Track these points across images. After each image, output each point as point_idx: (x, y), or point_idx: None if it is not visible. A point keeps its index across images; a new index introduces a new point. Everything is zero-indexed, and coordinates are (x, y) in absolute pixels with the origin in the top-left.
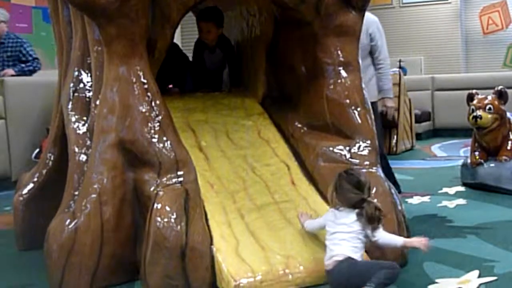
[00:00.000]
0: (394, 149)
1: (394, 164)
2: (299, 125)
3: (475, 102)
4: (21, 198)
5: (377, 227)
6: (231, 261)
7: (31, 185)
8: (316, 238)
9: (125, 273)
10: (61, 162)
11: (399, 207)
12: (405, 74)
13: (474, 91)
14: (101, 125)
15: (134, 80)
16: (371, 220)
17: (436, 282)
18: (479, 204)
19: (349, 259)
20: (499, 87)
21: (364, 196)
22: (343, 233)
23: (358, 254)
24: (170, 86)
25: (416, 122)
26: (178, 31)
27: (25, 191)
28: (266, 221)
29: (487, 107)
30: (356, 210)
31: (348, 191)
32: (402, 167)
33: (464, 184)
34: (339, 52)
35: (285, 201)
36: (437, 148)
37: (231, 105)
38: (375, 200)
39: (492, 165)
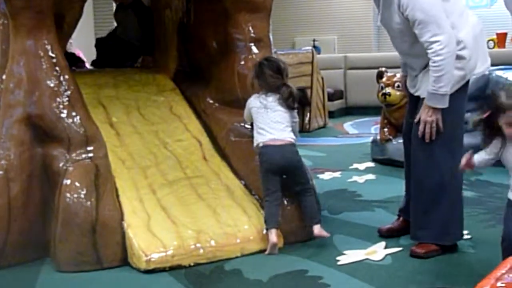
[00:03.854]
0: (307, 126)
1: (307, 141)
2: (211, 101)
3: (384, 79)
4: None
5: (293, 109)
6: (142, 236)
7: None
8: (227, 213)
9: (35, 250)
10: None
11: (310, 182)
12: (319, 53)
13: (383, 69)
14: (8, 100)
15: (41, 54)
16: (287, 101)
17: (344, 254)
18: (387, 179)
19: (292, 146)
20: None
21: (284, 81)
22: (278, 117)
23: (292, 135)
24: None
25: (329, 100)
26: (90, 5)
27: None
28: (177, 196)
29: (396, 85)
30: (278, 95)
31: (269, 76)
32: (314, 144)
33: (374, 160)
34: (250, 28)
35: (196, 176)
36: (349, 125)
37: (143, 81)
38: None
39: (400, 141)
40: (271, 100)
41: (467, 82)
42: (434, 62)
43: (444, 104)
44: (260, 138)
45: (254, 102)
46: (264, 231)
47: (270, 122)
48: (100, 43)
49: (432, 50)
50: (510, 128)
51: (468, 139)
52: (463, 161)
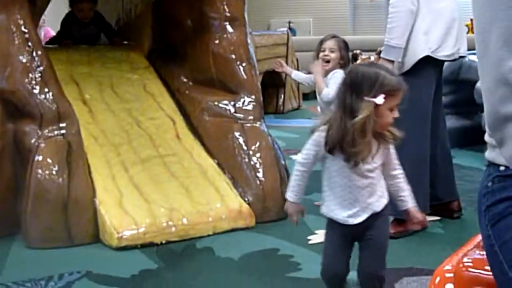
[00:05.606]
0: (281, 108)
1: (281, 122)
2: (185, 80)
3: (358, 61)
4: None
5: None
6: (114, 214)
7: None
8: (200, 192)
9: (5, 227)
10: None
11: (282, 162)
12: (294, 35)
13: (358, 51)
14: None
15: (14, 29)
16: None
17: (316, 233)
18: None
19: None
20: (382, 48)
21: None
22: None
23: None
24: None
25: None
26: None
27: None
28: (150, 174)
29: None
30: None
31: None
32: (288, 126)
33: None
34: (225, 7)
35: (169, 154)
36: None
37: (117, 59)
38: (258, 155)
39: None
40: None
41: (438, 61)
42: (389, 13)
43: (396, 57)
44: None
45: None
46: None
47: None
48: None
49: (390, 1)
50: (392, 113)
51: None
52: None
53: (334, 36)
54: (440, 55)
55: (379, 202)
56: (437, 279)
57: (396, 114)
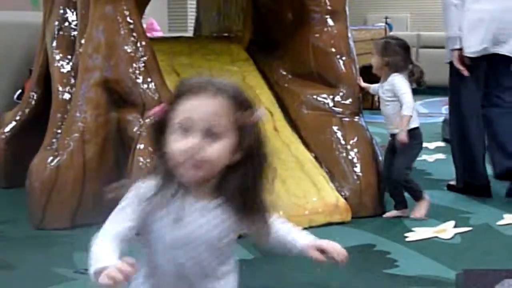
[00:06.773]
0: (377, 104)
1: (376, 118)
2: (284, 73)
3: None
4: (3, 136)
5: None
6: None
7: (13, 124)
8: (297, 185)
9: (107, 212)
10: (44, 101)
11: (380, 158)
12: (391, 31)
13: None
14: (86, 63)
15: (120, 19)
16: (419, 80)
17: (413, 231)
18: None
19: None
20: None
21: (412, 59)
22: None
23: None
24: None
25: None
26: None
27: (7, 129)
28: None
29: None
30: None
31: (401, 55)
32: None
33: (444, 140)
34: (327, 0)
35: None
36: (419, 104)
37: (217, 50)
38: (356, 149)
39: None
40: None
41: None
42: None
43: (451, 46)
44: (416, 119)
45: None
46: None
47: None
48: None
49: None
50: (184, 138)
51: None
52: None
53: (383, 39)
54: (467, 52)
55: None
56: None
57: (192, 140)
